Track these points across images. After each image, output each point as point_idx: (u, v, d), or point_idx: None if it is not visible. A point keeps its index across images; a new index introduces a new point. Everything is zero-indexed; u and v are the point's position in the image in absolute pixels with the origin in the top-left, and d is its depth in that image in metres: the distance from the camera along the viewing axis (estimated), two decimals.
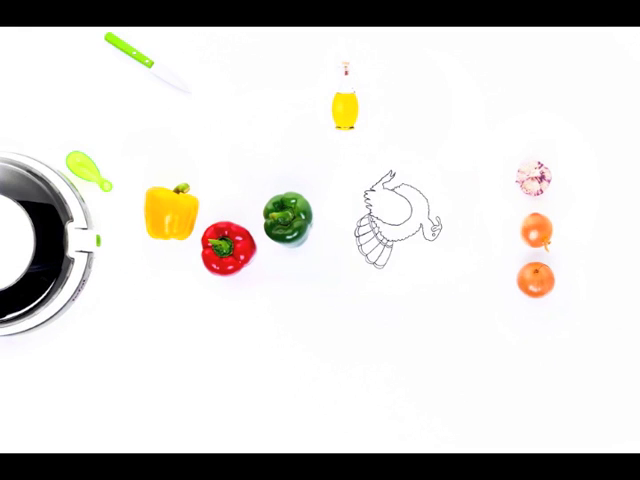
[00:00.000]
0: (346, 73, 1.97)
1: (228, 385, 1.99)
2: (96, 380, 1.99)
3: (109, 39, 1.97)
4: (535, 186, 1.96)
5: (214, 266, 1.92)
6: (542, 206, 1.98)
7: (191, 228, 1.95)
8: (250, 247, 1.93)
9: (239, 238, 1.93)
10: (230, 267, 1.92)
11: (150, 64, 1.97)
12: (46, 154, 1.97)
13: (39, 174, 1.89)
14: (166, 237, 1.93)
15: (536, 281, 1.94)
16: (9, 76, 2.00)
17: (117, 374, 1.99)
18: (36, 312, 1.88)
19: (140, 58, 1.97)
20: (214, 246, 1.92)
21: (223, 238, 1.93)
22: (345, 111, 1.97)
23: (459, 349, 1.98)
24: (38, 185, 1.88)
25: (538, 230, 1.95)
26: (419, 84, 1.99)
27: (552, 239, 1.96)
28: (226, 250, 1.92)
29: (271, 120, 1.99)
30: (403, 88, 1.99)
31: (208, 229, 1.93)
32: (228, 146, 1.99)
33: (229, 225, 1.93)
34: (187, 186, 1.95)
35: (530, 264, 1.96)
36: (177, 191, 1.94)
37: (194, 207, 1.95)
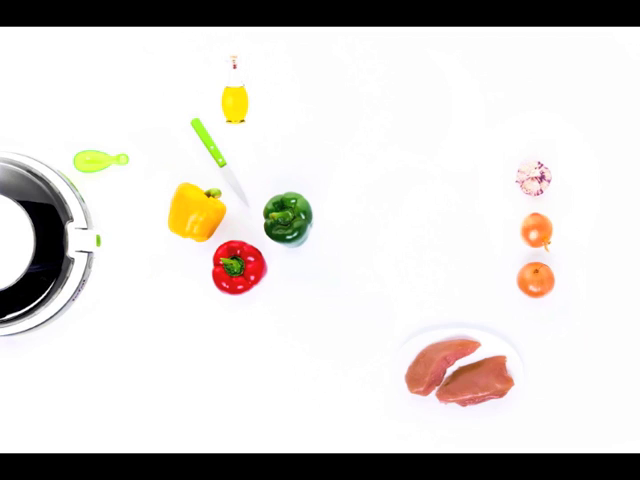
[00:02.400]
0: (234, 67, 1.97)
1: (228, 385, 1.99)
2: (96, 380, 1.99)
3: (194, 125, 1.97)
4: (535, 186, 1.97)
5: (224, 284, 1.92)
6: (542, 206, 1.98)
7: (211, 233, 1.95)
8: (261, 268, 1.93)
9: (251, 258, 1.92)
10: (240, 287, 1.92)
11: (222, 164, 1.97)
12: (46, 154, 1.97)
13: (39, 174, 1.89)
14: (184, 235, 1.93)
15: (536, 281, 1.94)
16: (9, 76, 2.00)
17: (117, 374, 1.99)
18: (36, 312, 1.88)
19: (216, 155, 1.97)
20: (225, 265, 1.91)
21: (235, 257, 1.93)
22: (235, 105, 1.97)
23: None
24: (38, 185, 1.88)
25: (538, 230, 1.95)
26: (419, 84, 1.99)
27: (552, 239, 1.96)
28: (237, 270, 1.91)
29: (271, 120, 1.99)
30: (403, 88, 1.99)
31: (221, 247, 1.93)
32: (228, 145, 2.00)
33: (242, 245, 1.93)
34: (219, 192, 1.95)
35: (530, 264, 1.96)
36: (208, 194, 1.94)
37: (220, 213, 1.95)
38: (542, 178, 1.96)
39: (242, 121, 1.98)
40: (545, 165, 1.97)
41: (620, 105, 1.99)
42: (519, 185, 1.98)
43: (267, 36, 1.99)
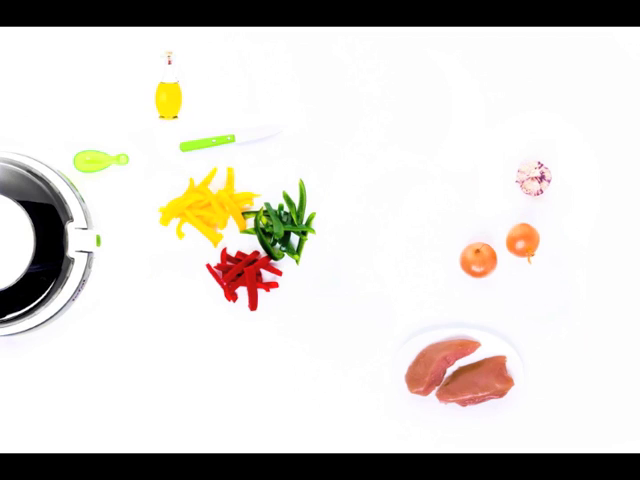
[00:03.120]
0: (169, 62, 1.97)
1: (228, 385, 1.99)
2: (96, 380, 1.99)
3: (185, 149, 1.97)
4: (535, 186, 1.96)
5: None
6: (542, 206, 1.98)
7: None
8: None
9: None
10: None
11: (232, 139, 1.97)
12: (46, 154, 1.97)
13: (39, 174, 1.89)
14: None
15: (478, 261, 1.93)
16: (9, 76, 2.00)
17: (117, 374, 1.99)
18: (36, 312, 1.88)
19: (222, 140, 1.97)
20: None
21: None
22: (168, 100, 1.97)
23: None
24: (38, 185, 1.88)
25: (525, 240, 1.93)
26: (419, 84, 1.99)
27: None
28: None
29: (271, 120, 1.99)
30: (403, 88, 1.99)
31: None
32: (227, 145, 2.00)
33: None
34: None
35: (471, 245, 1.95)
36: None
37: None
38: (542, 178, 1.96)
39: (175, 117, 1.98)
40: (545, 165, 1.97)
41: (620, 105, 1.99)
42: (519, 185, 1.98)
43: (267, 36, 1.99)
